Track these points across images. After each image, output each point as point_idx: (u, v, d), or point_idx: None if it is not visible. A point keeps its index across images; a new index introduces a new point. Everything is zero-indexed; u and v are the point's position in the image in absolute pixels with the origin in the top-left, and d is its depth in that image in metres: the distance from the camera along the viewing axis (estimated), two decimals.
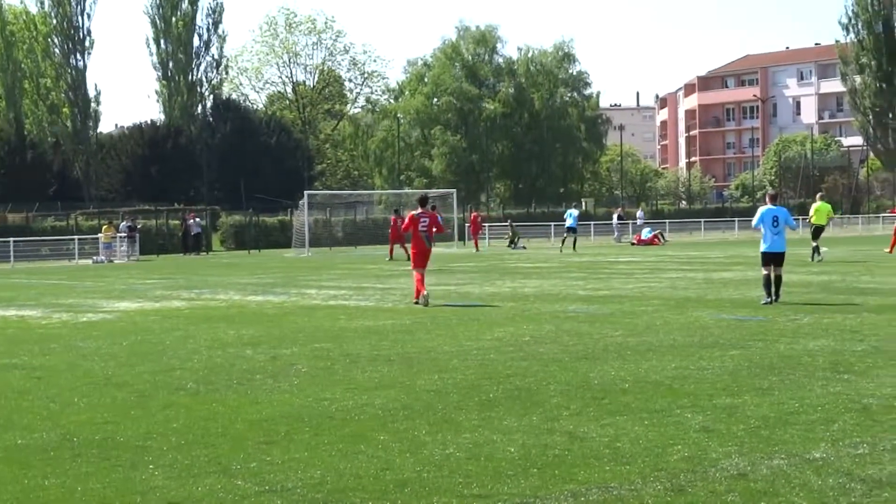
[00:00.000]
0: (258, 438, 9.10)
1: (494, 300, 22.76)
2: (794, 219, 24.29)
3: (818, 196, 38.79)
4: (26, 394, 11.83)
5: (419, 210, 23.18)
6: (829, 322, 16.75)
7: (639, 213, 71.23)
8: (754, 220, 20.99)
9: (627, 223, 69.40)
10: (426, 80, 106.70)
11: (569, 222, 52.56)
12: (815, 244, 35.13)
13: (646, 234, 61.17)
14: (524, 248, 57.41)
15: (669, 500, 7.03)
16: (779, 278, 20.35)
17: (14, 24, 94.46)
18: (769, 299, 20.09)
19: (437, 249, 56.27)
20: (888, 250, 39.12)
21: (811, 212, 36.77)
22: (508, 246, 59.64)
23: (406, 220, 23.57)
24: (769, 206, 20.83)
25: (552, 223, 72.99)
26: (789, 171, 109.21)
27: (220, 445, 8.88)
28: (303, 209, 59.83)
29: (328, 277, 33.46)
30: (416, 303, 22.01)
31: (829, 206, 37.72)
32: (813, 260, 34.19)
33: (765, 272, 20.43)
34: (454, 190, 70.56)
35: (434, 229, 22.99)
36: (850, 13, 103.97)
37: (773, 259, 20.36)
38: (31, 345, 16.62)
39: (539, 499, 7.12)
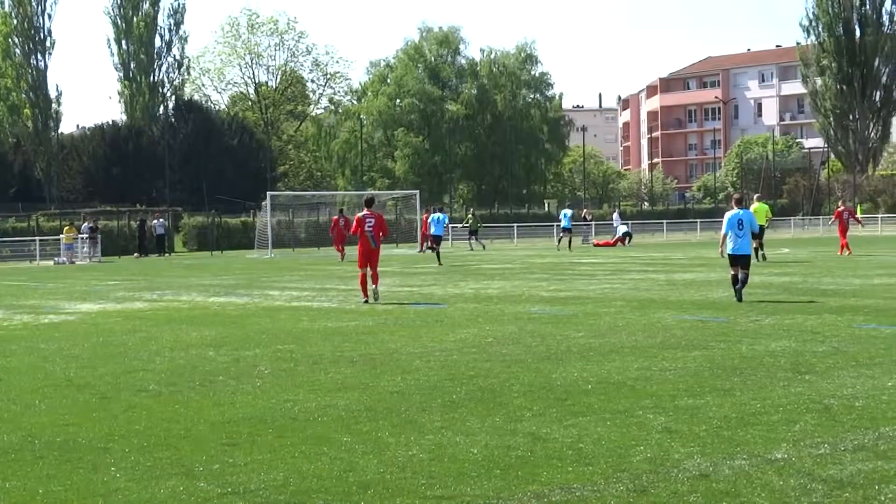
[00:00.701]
0: (221, 440, 9.07)
1: (457, 301, 22.77)
2: None
3: (755, 197, 39.60)
4: None
5: (365, 211, 23.25)
6: (791, 323, 16.85)
7: (615, 215, 71.37)
8: (723, 228, 21.29)
9: (591, 224, 69.54)
10: (389, 81, 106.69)
11: (564, 223, 53.32)
12: (754, 245, 35.58)
13: (620, 233, 61.89)
14: (483, 247, 57.05)
15: (632, 500, 7.05)
16: (745, 278, 20.65)
17: None
18: (737, 297, 20.52)
19: (400, 251, 56.32)
20: (848, 252, 39.42)
21: None
22: (469, 237, 58.55)
23: (354, 223, 23.64)
24: (735, 209, 21.18)
25: (515, 224, 73.21)
26: (751, 173, 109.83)
27: (183, 447, 8.84)
28: (265, 210, 59.65)
29: (291, 279, 33.37)
30: (366, 301, 22.39)
31: (766, 207, 38.68)
32: (758, 258, 34.51)
33: (732, 273, 20.99)
34: (417, 191, 70.50)
35: (380, 232, 23.09)
36: (811, 15, 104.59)
37: (738, 261, 20.82)
38: None
39: (502, 500, 7.13)
